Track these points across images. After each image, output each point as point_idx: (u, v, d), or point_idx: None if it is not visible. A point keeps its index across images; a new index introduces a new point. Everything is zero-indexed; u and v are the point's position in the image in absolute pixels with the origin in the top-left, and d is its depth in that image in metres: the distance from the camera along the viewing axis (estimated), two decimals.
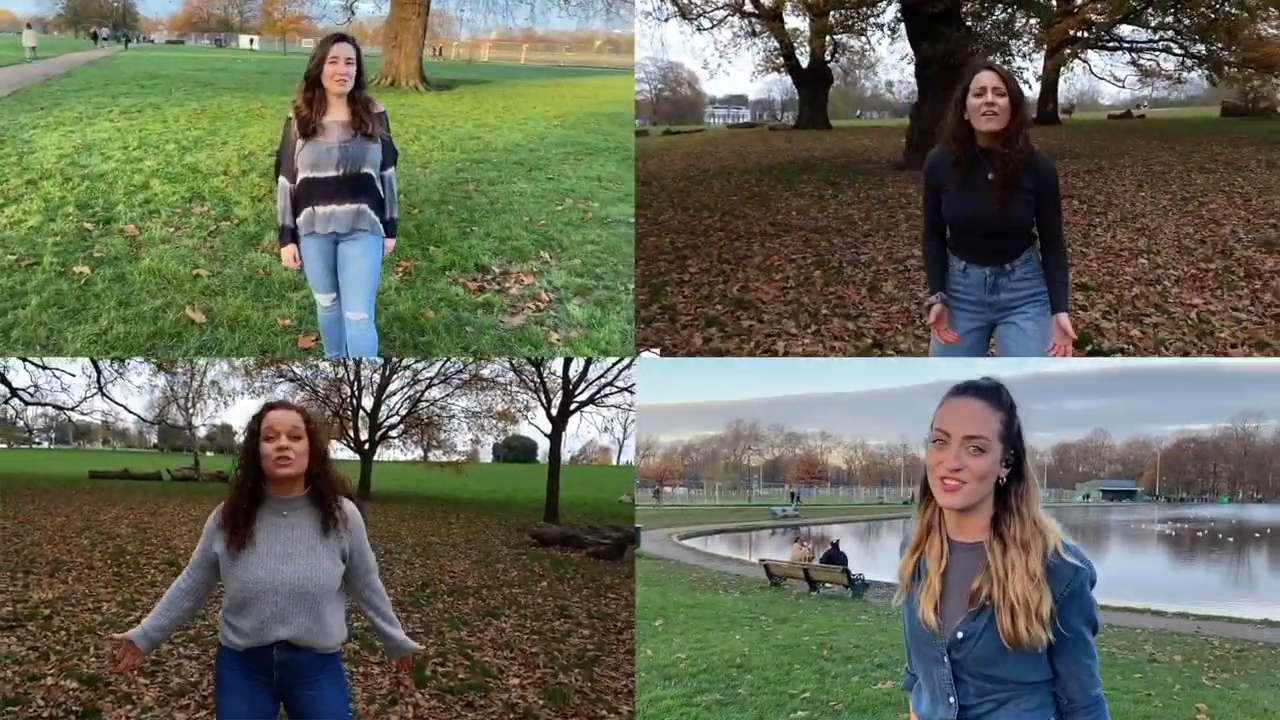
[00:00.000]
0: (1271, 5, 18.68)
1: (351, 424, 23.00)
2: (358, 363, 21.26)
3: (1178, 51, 20.76)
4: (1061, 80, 25.18)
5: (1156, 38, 20.54)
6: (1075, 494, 59.04)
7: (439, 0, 25.22)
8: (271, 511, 2.98)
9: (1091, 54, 21.93)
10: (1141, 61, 22.17)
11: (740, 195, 14.94)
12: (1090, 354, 7.32)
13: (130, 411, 31.31)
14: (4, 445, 49.31)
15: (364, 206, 4.96)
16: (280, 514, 2.98)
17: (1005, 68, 4.12)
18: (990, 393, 2.20)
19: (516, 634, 7.39)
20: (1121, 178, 15.10)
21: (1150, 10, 19.36)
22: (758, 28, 24.94)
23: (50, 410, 23.00)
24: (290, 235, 5.02)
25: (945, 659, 2.21)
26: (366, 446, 23.15)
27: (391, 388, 22.57)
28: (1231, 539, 27.94)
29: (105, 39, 31.30)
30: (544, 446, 19.00)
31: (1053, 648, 2.13)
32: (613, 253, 9.03)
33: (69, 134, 12.64)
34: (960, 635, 2.18)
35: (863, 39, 23.75)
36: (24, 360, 17.90)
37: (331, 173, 4.83)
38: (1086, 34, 19.26)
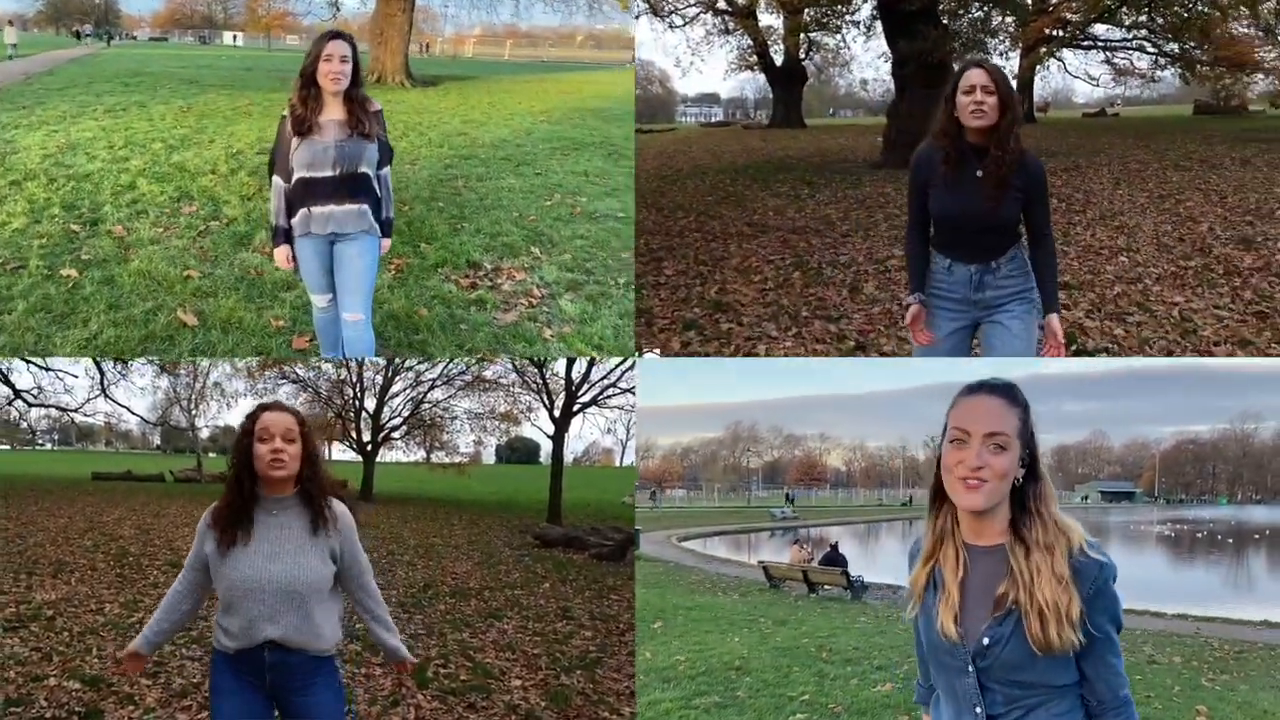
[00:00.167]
0: (1243, 4, 18.91)
1: (354, 425, 23.06)
2: (360, 364, 21.25)
3: (1151, 50, 20.99)
4: (1037, 79, 25.36)
5: (1130, 36, 20.74)
6: (1074, 495, 58.73)
7: None
8: (262, 511, 2.97)
9: (1066, 52, 22.13)
10: (1116, 60, 22.41)
11: (715, 195, 14.85)
12: (1076, 353, 7.26)
13: (133, 413, 31.25)
14: (7, 447, 49.17)
15: (364, 206, 4.88)
16: (270, 513, 2.97)
17: (995, 65, 4.12)
18: (1006, 391, 2.15)
19: (518, 635, 7.37)
20: (1099, 176, 15.18)
21: (1124, 9, 19.50)
22: (731, 25, 24.90)
23: (53, 412, 23.01)
24: (284, 236, 4.92)
25: (970, 668, 2.13)
26: (369, 448, 23.19)
27: (394, 389, 22.66)
28: (1231, 540, 27.97)
29: (88, 36, 30.94)
30: (547, 448, 19.08)
31: (1080, 649, 2.07)
32: (602, 247, 9.02)
33: (53, 133, 12.42)
34: (986, 642, 2.10)
35: (837, 37, 23.79)
36: (27, 362, 17.95)
37: (328, 172, 4.75)
38: (1062, 32, 19.43)
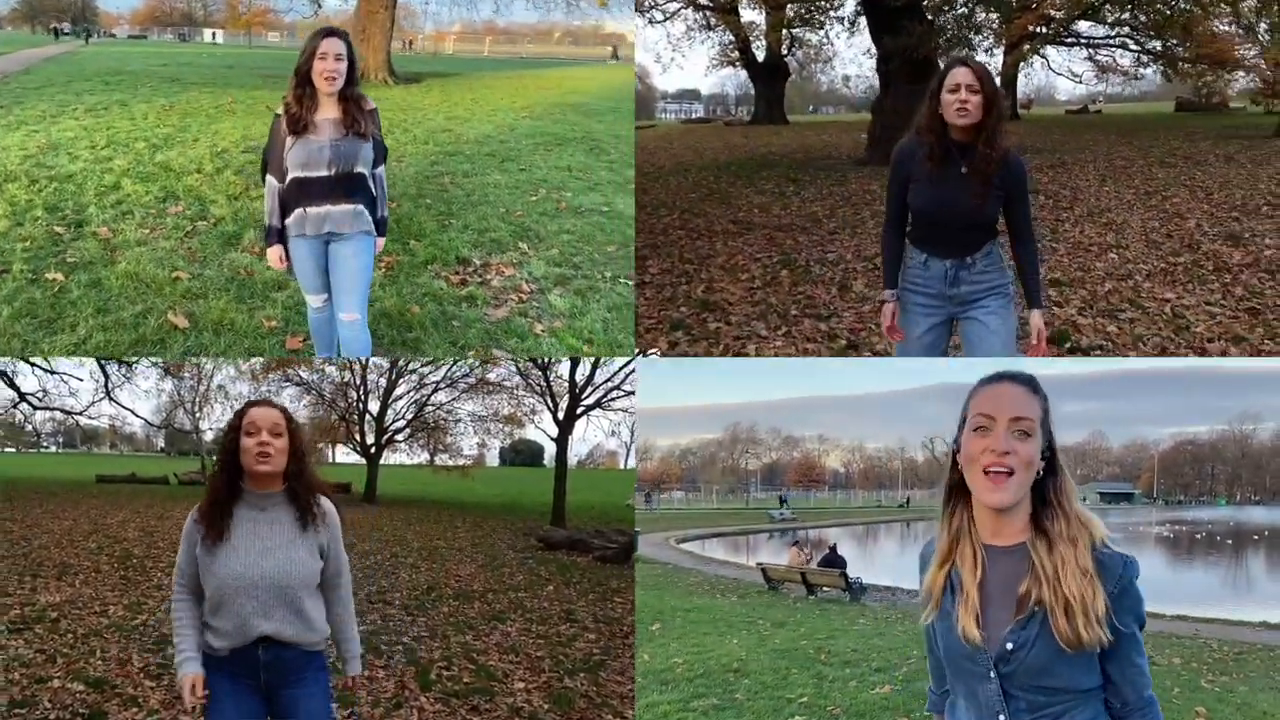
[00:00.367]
0: (1224, 2, 19.04)
1: (358, 428, 23.17)
2: (364, 367, 21.36)
3: (1134, 47, 21.13)
4: (1020, 75, 25.47)
5: (1113, 33, 20.86)
6: None
7: None
8: (249, 507, 2.95)
9: (1049, 49, 22.25)
10: (1098, 57, 22.54)
11: (699, 192, 14.75)
12: (1070, 351, 7.19)
13: (137, 416, 31.55)
14: (12, 449, 49.76)
15: (359, 207, 4.78)
16: (259, 509, 2.95)
17: (981, 63, 4.06)
18: (1028, 380, 2.09)
19: (522, 638, 7.33)
20: (1084, 172, 15.18)
21: (1108, 6, 19.58)
22: (712, 21, 24.89)
23: (58, 415, 23.20)
24: (277, 236, 4.80)
25: (992, 674, 2.03)
26: (373, 450, 23.23)
27: (398, 391, 22.79)
28: (1230, 541, 28.00)
29: (66, 34, 30.66)
30: (551, 450, 19.13)
31: (1104, 649, 1.99)
32: (588, 242, 9.00)
33: (32, 134, 12.22)
34: (1010, 646, 2.00)
35: (820, 32, 23.81)
36: (31, 365, 18.05)
37: (323, 172, 4.63)
38: (1045, 29, 19.49)
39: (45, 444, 55.61)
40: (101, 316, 6.52)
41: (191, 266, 7.54)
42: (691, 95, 38.55)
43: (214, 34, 36.58)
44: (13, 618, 7.09)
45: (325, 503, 3.06)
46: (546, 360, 16.26)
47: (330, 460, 33.07)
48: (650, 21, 22.82)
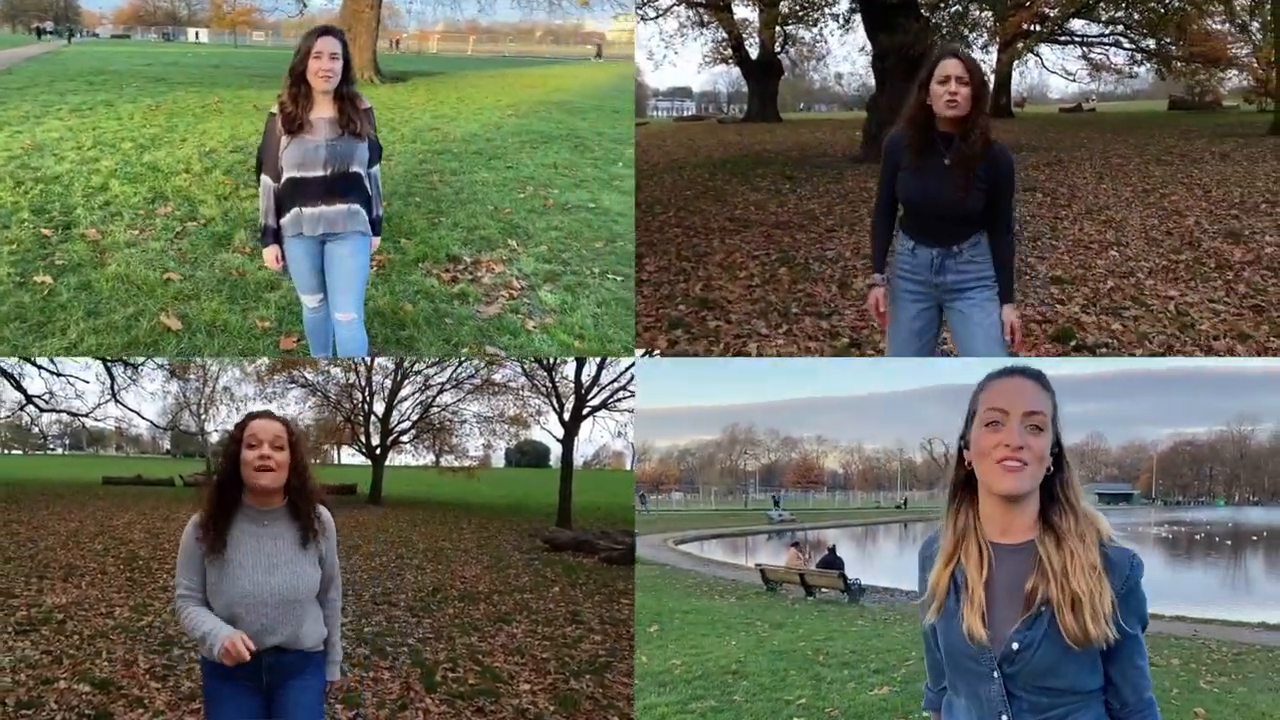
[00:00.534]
0: (1217, 0, 19.06)
1: (363, 429, 23.20)
2: (369, 368, 21.40)
3: (1128, 46, 21.18)
4: (1014, 73, 25.46)
5: (1107, 32, 20.87)
6: None
7: None
8: (251, 522, 2.94)
9: (1043, 48, 22.25)
10: (1092, 55, 22.57)
11: (694, 190, 14.69)
12: (1075, 349, 7.12)
13: (143, 418, 31.52)
14: (19, 451, 50.63)
15: (355, 207, 4.75)
16: (260, 524, 2.95)
17: (970, 55, 4.02)
18: (1037, 375, 2.07)
19: (527, 639, 7.35)
20: (1081, 170, 15.15)
21: (1102, 5, 19.60)
22: (705, 18, 24.86)
23: (64, 417, 23.18)
24: (273, 236, 4.78)
25: (995, 674, 2.00)
26: (378, 452, 23.25)
27: (403, 393, 22.78)
28: (1229, 542, 28.11)
29: (49, 34, 30.41)
30: (556, 451, 19.10)
31: (1107, 649, 1.97)
32: (575, 238, 9.04)
33: (16, 134, 12.06)
34: (1016, 646, 1.97)
35: (814, 30, 23.76)
36: (38, 367, 18.19)
37: (319, 172, 4.61)
38: (1039, 27, 19.50)
39: (52, 446, 56.24)
40: (92, 319, 6.44)
41: (182, 268, 7.46)
42: (683, 93, 38.58)
43: (197, 33, 36.43)
44: (19, 619, 7.13)
45: (324, 513, 3.08)
46: (552, 361, 16.31)
47: (335, 461, 33.15)
48: (643, 19, 22.75)
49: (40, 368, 18.25)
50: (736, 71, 29.45)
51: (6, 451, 51.02)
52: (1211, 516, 44.19)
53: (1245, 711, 6.27)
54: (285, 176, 4.62)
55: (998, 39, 20.08)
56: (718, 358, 7.53)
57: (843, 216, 12.09)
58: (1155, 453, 64.67)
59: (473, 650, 6.85)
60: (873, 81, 17.87)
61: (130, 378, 19.62)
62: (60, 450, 58.29)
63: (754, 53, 26.85)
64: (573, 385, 16.77)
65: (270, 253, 4.83)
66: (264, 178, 4.72)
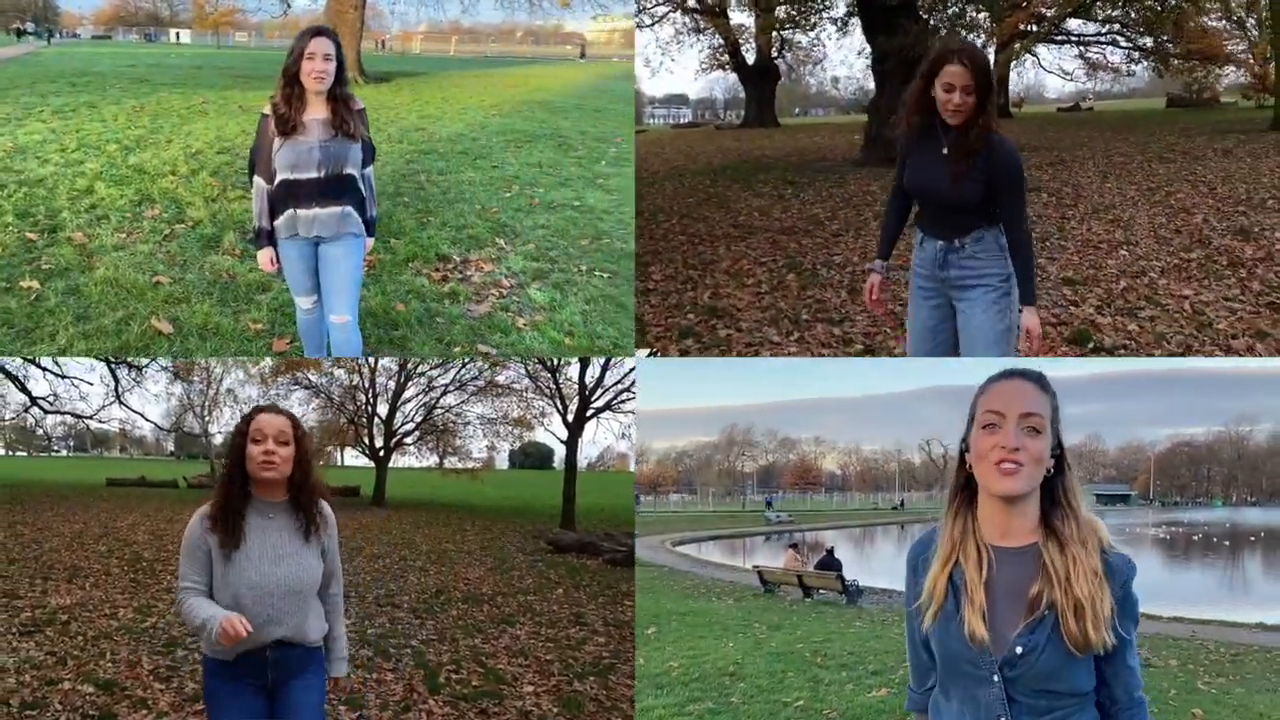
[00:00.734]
0: None
1: (367, 431, 23.11)
2: (373, 369, 21.41)
3: (1125, 44, 21.12)
4: (1011, 73, 25.39)
5: (1104, 31, 20.82)
6: None
7: None
8: (257, 514, 2.96)
9: (1040, 47, 22.21)
10: (1089, 55, 22.53)
11: (696, 197, 14.67)
12: (1092, 351, 7.06)
13: (147, 419, 31.95)
14: (24, 453, 51.01)
15: (349, 209, 4.70)
16: (266, 516, 2.97)
17: (977, 49, 3.93)
18: (1037, 378, 2.06)
19: (531, 641, 7.33)
20: (1084, 169, 15.11)
21: (1099, 4, 19.55)
22: (701, 24, 24.82)
23: (69, 418, 23.06)
24: (267, 238, 4.75)
25: (995, 678, 1.98)
26: (382, 453, 23.22)
27: (406, 394, 22.72)
28: (1226, 542, 27.94)
29: (29, 34, 30.11)
30: (560, 453, 18.94)
31: (1108, 650, 1.97)
32: (562, 236, 9.09)
33: None
34: (1020, 650, 1.96)
35: (811, 34, 23.69)
36: (42, 369, 18.21)
37: (312, 174, 4.56)
38: (1037, 28, 19.45)
39: (56, 448, 56.69)
40: (82, 324, 6.34)
41: (172, 270, 7.35)
42: (679, 100, 38.65)
43: (178, 34, 36.27)
44: (24, 620, 7.14)
45: (325, 507, 3.10)
46: (555, 362, 16.29)
47: (339, 463, 33.15)
48: (639, 25, 22.69)
49: (44, 370, 18.31)
50: (733, 77, 29.45)
51: (11, 453, 51.08)
52: (1209, 517, 43.95)
53: (1243, 712, 6.23)
54: (279, 178, 4.57)
55: (995, 40, 20.00)
56: (715, 358, 7.51)
57: (848, 221, 12.03)
58: (1153, 453, 64.41)
59: (476, 652, 6.86)
60: (869, 84, 17.89)
61: (134, 380, 19.66)
62: (64, 452, 58.54)
63: (750, 58, 26.82)
64: (576, 387, 16.76)
65: (265, 255, 4.78)
66: (257, 179, 4.67)
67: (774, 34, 24.49)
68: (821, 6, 20.64)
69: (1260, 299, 7.93)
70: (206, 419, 26.93)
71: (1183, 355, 7.10)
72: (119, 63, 23.15)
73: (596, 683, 6.14)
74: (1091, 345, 7.11)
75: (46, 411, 21.10)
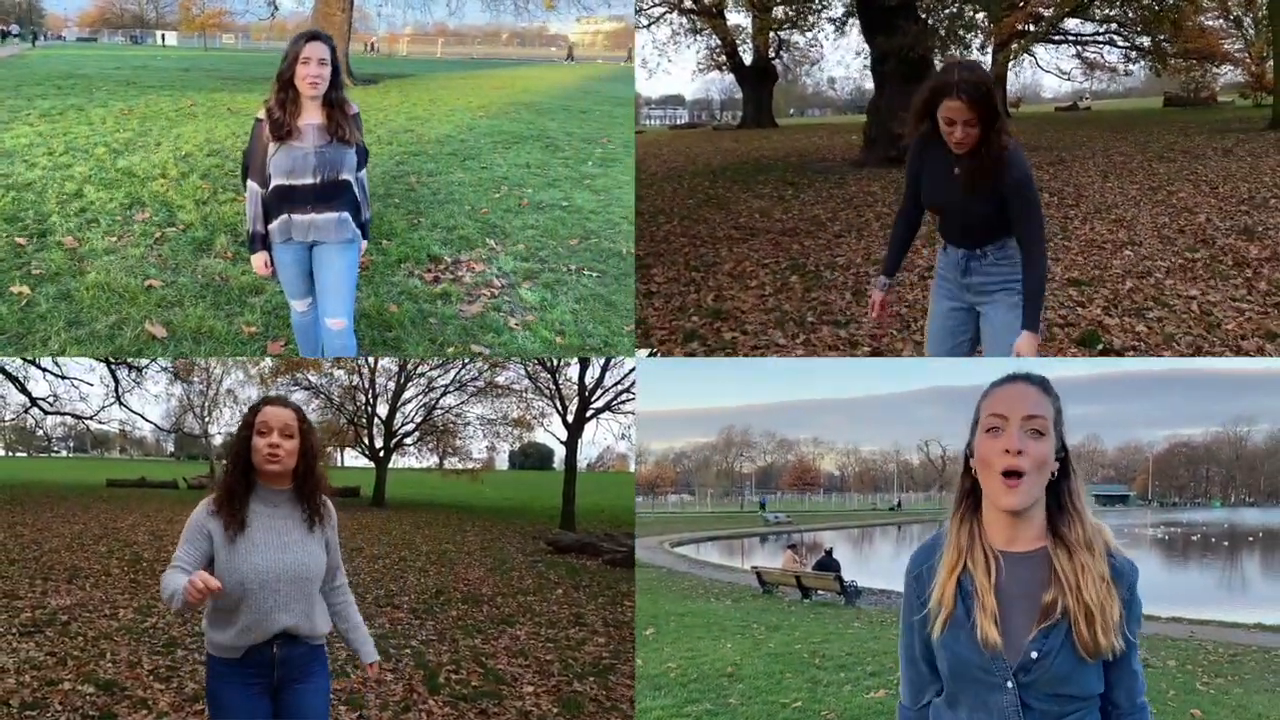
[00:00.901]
0: None
1: (366, 431, 23.10)
2: (373, 370, 21.45)
3: (1122, 44, 21.08)
4: (1009, 73, 25.32)
5: (1102, 30, 20.79)
6: None
7: None
8: (262, 503, 2.97)
9: (1038, 47, 22.17)
10: (1087, 54, 22.49)
11: (696, 199, 14.63)
12: (1102, 352, 7.01)
13: (147, 420, 32.07)
14: (24, 454, 51.36)
15: (345, 214, 4.66)
16: (271, 505, 2.98)
17: (977, 75, 3.72)
18: (1040, 381, 2.05)
19: (531, 641, 7.33)
20: (1085, 169, 15.08)
21: (1096, 3, 19.51)
22: (699, 25, 24.78)
23: (69, 419, 23.13)
24: (261, 242, 4.70)
25: (1010, 684, 1.95)
26: (381, 454, 23.21)
27: (406, 395, 22.71)
28: (1225, 543, 27.94)
29: (13, 36, 29.90)
30: (560, 454, 18.94)
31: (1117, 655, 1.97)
32: (551, 236, 9.11)
33: None
34: (1035, 655, 1.94)
35: (809, 34, 23.65)
36: (43, 370, 18.29)
37: (308, 180, 4.51)
38: (1034, 27, 19.40)
39: (56, 449, 57.21)
40: (75, 329, 6.26)
41: (164, 274, 7.28)
42: (675, 101, 38.57)
43: (163, 36, 36.17)
44: (24, 620, 7.14)
45: (327, 500, 3.13)
46: (555, 363, 16.27)
47: (339, 464, 33.14)
48: (636, 26, 22.64)
49: (44, 370, 18.38)
50: (729, 78, 29.38)
51: (11, 454, 51.49)
52: (1207, 518, 43.98)
53: (1241, 713, 6.20)
54: (274, 183, 4.53)
55: (993, 39, 19.94)
56: (713, 358, 7.47)
57: (849, 222, 11.99)
58: (1151, 454, 64.49)
59: (476, 652, 6.85)
60: (866, 85, 17.88)
61: (134, 380, 19.72)
62: (64, 453, 58.91)
63: (748, 59, 26.74)
64: (576, 387, 16.74)
65: (259, 259, 4.74)
66: (251, 183, 4.61)
67: (771, 34, 24.46)
68: (819, 7, 20.60)
69: (1268, 299, 7.87)
70: (206, 420, 27.10)
71: (1193, 356, 7.03)
72: (105, 65, 23.11)
73: (596, 683, 6.14)
74: (1101, 347, 7.06)
75: (46, 412, 21.20)
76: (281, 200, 4.55)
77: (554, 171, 12.19)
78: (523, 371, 18.39)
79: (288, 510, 3.00)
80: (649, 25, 23.75)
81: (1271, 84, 19.23)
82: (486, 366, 19.51)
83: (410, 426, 23.42)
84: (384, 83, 23.62)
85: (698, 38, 25.12)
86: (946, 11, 17.78)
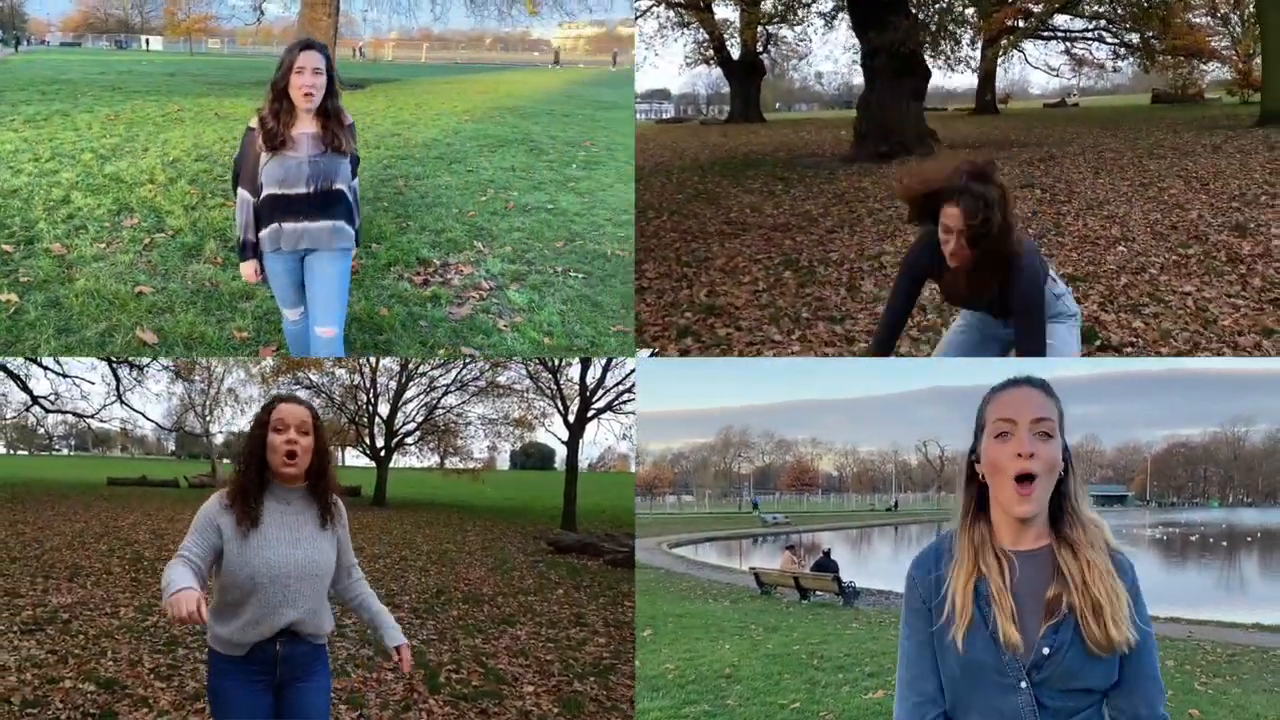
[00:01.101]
0: None
1: (368, 431, 23.07)
2: (374, 369, 21.44)
3: (1111, 40, 21.14)
4: (998, 69, 25.39)
5: (1091, 26, 20.84)
6: None
7: (345, 0, 25.18)
8: (275, 499, 2.98)
9: (1026, 43, 22.21)
10: (1075, 50, 22.55)
11: (685, 194, 14.58)
12: (1100, 349, 6.99)
13: (148, 419, 31.97)
14: (25, 452, 51.34)
15: (338, 224, 4.62)
16: (284, 501, 3.00)
17: (986, 188, 3.47)
18: (1041, 383, 2.06)
19: (531, 641, 7.33)
20: (1076, 165, 15.06)
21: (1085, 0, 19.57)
22: (686, 18, 24.72)
23: (70, 418, 23.30)
24: (251, 250, 4.66)
25: (1024, 684, 1.95)
26: (383, 454, 23.19)
27: (408, 394, 22.67)
28: (1223, 543, 28.00)
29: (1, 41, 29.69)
30: (562, 454, 19.03)
31: (1124, 657, 1.96)
32: (537, 238, 9.19)
33: None
34: (1046, 651, 1.94)
35: (797, 29, 23.62)
36: (44, 368, 18.31)
37: (301, 190, 4.47)
38: (1024, 23, 19.44)
39: (57, 447, 57.00)
40: (65, 336, 6.22)
41: (154, 280, 7.23)
42: (661, 95, 38.41)
43: (147, 40, 36.00)
44: (25, 619, 7.16)
45: (337, 499, 3.14)
46: (556, 363, 16.27)
47: (340, 463, 32.94)
48: (633, 26, 22.60)
49: (46, 369, 18.37)
50: (715, 72, 29.30)
51: (12, 452, 51.21)
52: (1206, 518, 44.06)
53: (1240, 713, 6.20)
54: (265, 193, 4.48)
55: (982, 35, 19.96)
56: (717, 358, 7.44)
57: (841, 218, 11.93)
58: (1150, 454, 64.47)
59: (476, 652, 6.86)
60: (854, 79, 17.85)
61: (135, 379, 19.76)
62: (65, 451, 58.69)
63: (735, 53, 26.66)
64: (577, 387, 16.72)
65: (249, 268, 4.70)
66: (241, 191, 4.57)
67: (760, 28, 24.41)
68: (808, 1, 20.55)
69: (1263, 295, 7.87)
70: (208, 418, 27.04)
71: (1190, 352, 7.02)
72: (90, 70, 22.96)
73: (596, 683, 6.14)
74: (1099, 343, 7.04)
75: (48, 411, 21.30)
76: (273, 209, 4.51)
77: (539, 174, 12.26)
78: (524, 371, 18.41)
79: (300, 507, 3.01)
80: (636, 19, 23.72)
81: (1259, 81, 19.32)
82: (488, 366, 19.51)
83: (411, 426, 23.44)
84: (370, 87, 23.70)
85: (685, 31, 25.08)
86: (937, 7, 17.78)
